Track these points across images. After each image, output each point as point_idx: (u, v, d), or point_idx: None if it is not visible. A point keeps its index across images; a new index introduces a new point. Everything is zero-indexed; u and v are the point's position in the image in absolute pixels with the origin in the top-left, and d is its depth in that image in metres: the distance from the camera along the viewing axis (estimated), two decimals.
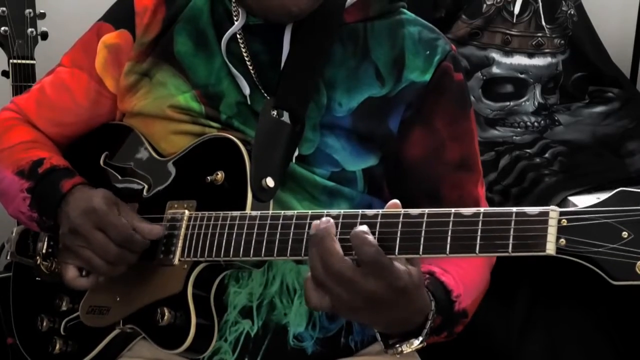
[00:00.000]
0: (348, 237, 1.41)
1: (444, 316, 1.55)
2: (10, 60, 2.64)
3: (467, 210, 1.37)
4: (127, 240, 1.64)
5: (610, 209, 1.26)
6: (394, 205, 1.44)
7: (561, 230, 1.29)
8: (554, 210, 1.30)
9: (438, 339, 1.60)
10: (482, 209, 1.36)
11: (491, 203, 1.95)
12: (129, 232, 1.64)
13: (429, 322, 1.48)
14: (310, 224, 1.48)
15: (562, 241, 1.28)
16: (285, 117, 1.68)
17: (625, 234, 1.24)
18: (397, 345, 1.49)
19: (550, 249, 1.29)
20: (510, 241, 1.32)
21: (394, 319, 1.46)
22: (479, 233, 1.35)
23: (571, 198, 2.42)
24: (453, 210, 1.38)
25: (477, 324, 1.76)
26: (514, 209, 1.33)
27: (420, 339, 1.48)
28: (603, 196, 2.40)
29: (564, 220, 1.29)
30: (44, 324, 1.86)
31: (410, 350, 1.49)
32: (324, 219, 1.42)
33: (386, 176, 1.76)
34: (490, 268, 1.78)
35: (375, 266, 1.37)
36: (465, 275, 1.64)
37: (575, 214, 1.29)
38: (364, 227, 1.39)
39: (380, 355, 1.81)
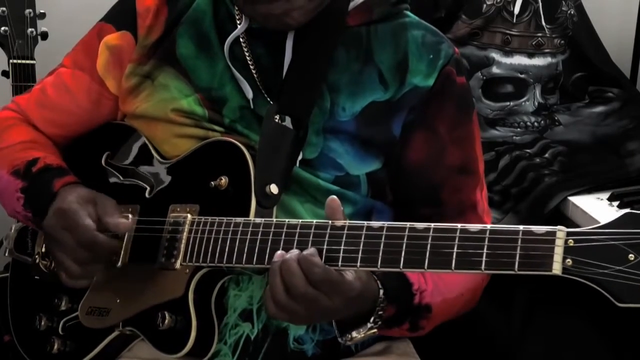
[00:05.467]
0: (352, 248, 1.45)
1: (399, 306, 1.59)
2: (10, 60, 2.63)
3: (474, 227, 1.38)
4: (90, 242, 1.64)
5: (617, 231, 1.26)
6: (332, 201, 1.50)
7: (568, 251, 1.30)
8: (561, 230, 1.31)
9: (400, 330, 1.66)
10: (488, 226, 1.38)
11: (491, 203, 1.95)
12: (90, 234, 1.64)
13: (377, 308, 1.54)
14: (314, 233, 1.50)
15: (569, 261, 1.29)
16: (288, 122, 1.68)
17: (631, 257, 1.25)
18: (348, 333, 1.56)
19: (557, 269, 1.31)
20: (517, 259, 1.34)
21: (347, 316, 1.55)
22: (485, 250, 1.36)
23: (571, 198, 2.42)
24: (459, 225, 1.40)
25: (476, 323, 1.77)
26: (521, 227, 1.34)
27: (369, 325, 1.55)
28: (603, 196, 2.40)
29: (570, 240, 1.30)
30: (42, 323, 1.86)
31: (362, 336, 1.57)
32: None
33: (389, 180, 1.76)
34: (478, 281, 1.79)
35: (328, 284, 1.46)
36: (439, 275, 1.67)
37: (582, 235, 1.29)
38: (311, 250, 1.46)
39: (380, 356, 1.82)
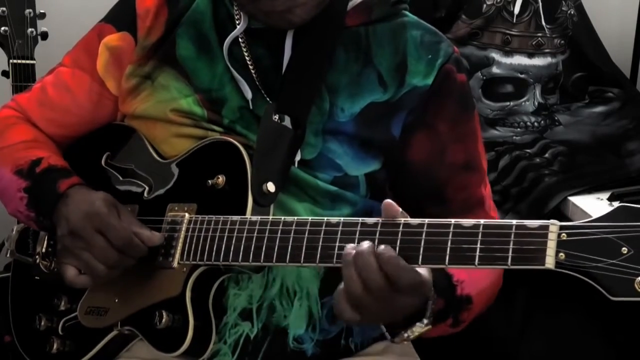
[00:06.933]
0: (346, 245, 1.44)
1: (446, 299, 1.57)
2: (10, 60, 2.63)
3: (467, 222, 1.38)
4: (127, 244, 1.64)
5: (610, 224, 1.26)
6: (388, 205, 1.46)
7: (561, 245, 1.29)
8: (554, 224, 1.31)
9: (444, 326, 1.62)
10: (482, 221, 1.37)
11: None
12: (129, 236, 1.64)
13: (430, 303, 1.49)
14: (309, 230, 1.50)
15: (562, 255, 1.29)
16: (287, 121, 1.68)
17: (625, 250, 1.24)
18: (402, 332, 1.50)
19: (550, 263, 1.30)
20: (510, 254, 1.33)
21: (403, 313, 1.49)
22: (478, 245, 1.36)
23: (571, 198, 2.42)
24: (453, 221, 1.39)
25: (477, 323, 1.76)
26: (514, 222, 1.34)
27: (425, 321, 1.49)
28: (603, 196, 2.40)
29: (563, 234, 1.29)
30: (42, 323, 1.86)
31: (415, 334, 1.50)
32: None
33: (390, 180, 1.76)
34: (499, 272, 1.78)
35: (413, 288, 1.42)
36: None
37: (575, 229, 1.29)
38: (392, 251, 1.41)
39: (380, 356, 1.82)
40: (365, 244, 1.42)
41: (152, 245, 1.66)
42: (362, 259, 1.41)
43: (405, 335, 1.50)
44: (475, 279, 1.65)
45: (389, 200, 1.46)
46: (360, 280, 1.41)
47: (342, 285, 1.44)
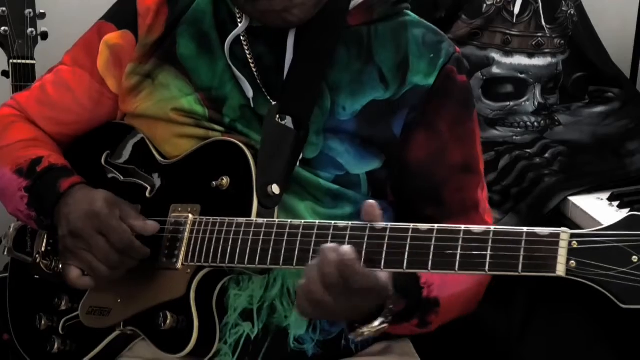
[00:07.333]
0: (355, 249, 1.44)
1: (410, 300, 1.58)
2: (10, 60, 2.62)
3: (477, 228, 1.39)
4: (127, 247, 1.64)
5: (620, 233, 1.27)
6: (369, 206, 1.47)
7: (572, 252, 1.30)
8: (565, 232, 1.31)
9: (410, 326, 1.64)
10: (492, 228, 1.38)
11: (491, 203, 1.95)
12: (129, 238, 1.64)
13: (388, 302, 1.50)
14: (317, 234, 1.50)
15: (572, 263, 1.30)
16: (289, 121, 1.68)
17: (635, 258, 1.26)
18: (358, 329, 1.51)
19: (561, 270, 1.31)
20: (520, 261, 1.34)
21: (360, 312, 1.51)
22: (488, 251, 1.37)
23: (571, 198, 2.42)
24: (463, 227, 1.40)
25: (477, 323, 1.76)
26: (525, 229, 1.35)
27: (381, 319, 1.50)
28: (603, 196, 2.40)
29: (574, 242, 1.30)
30: (42, 322, 1.86)
31: (372, 331, 1.51)
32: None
33: (391, 179, 1.76)
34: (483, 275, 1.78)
35: (367, 291, 1.44)
36: None
37: (586, 237, 1.30)
38: (351, 253, 1.42)
39: (381, 356, 1.82)
40: (331, 244, 1.45)
41: (146, 234, 1.66)
42: (323, 254, 1.43)
43: (361, 331, 1.51)
44: (447, 284, 1.66)
45: (370, 201, 1.48)
46: (320, 278, 1.43)
47: (302, 281, 1.46)
